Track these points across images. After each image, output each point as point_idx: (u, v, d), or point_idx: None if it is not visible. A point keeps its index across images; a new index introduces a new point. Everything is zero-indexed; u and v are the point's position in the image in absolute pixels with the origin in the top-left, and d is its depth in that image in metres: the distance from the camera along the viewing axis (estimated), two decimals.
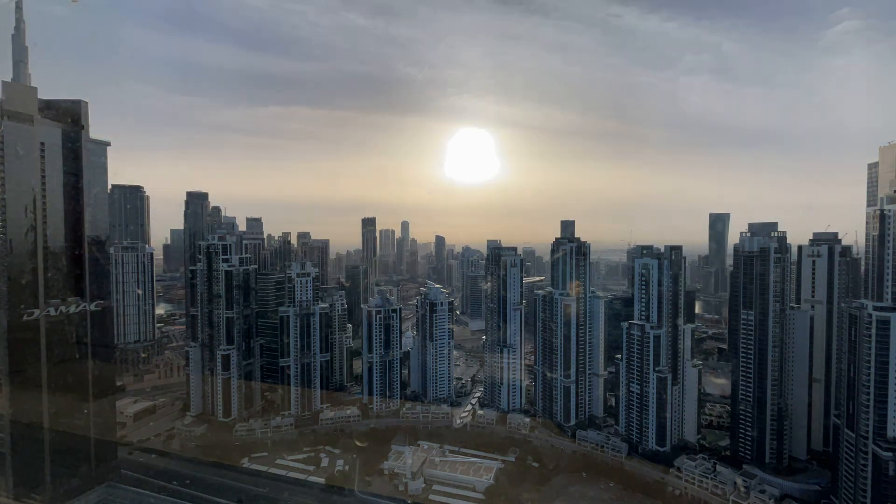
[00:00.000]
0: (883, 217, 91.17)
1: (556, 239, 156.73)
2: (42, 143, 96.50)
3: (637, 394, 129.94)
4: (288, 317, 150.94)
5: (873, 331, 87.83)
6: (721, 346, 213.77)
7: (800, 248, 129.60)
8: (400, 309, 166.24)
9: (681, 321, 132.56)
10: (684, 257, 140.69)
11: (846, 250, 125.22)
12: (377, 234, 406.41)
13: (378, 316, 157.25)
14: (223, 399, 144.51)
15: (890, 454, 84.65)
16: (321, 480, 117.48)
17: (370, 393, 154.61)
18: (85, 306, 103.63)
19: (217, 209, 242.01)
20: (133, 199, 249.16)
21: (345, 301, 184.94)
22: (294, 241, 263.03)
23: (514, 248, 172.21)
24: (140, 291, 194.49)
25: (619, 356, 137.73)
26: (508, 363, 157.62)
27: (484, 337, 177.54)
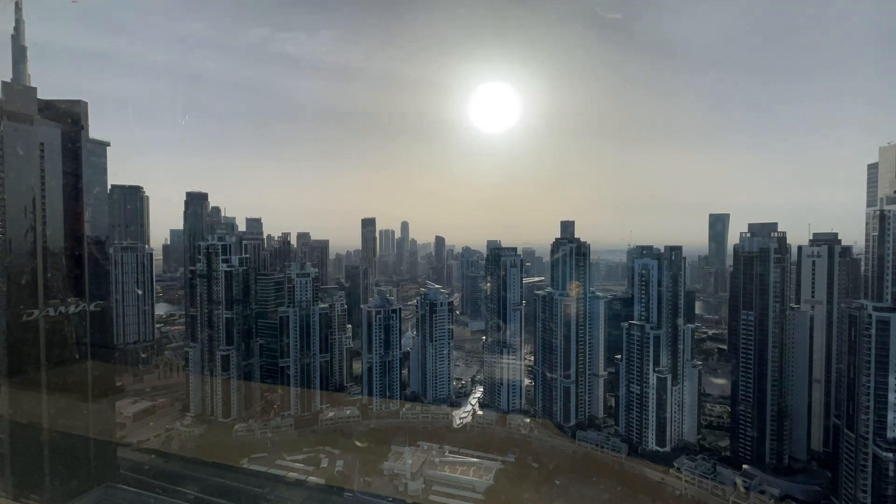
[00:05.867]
0: (883, 217, 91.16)
1: (556, 239, 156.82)
2: (42, 144, 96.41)
3: (637, 394, 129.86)
4: (288, 317, 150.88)
5: (873, 331, 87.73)
6: (721, 346, 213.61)
7: (800, 248, 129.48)
8: (400, 309, 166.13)
9: (681, 321, 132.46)
10: (684, 257, 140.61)
11: (846, 250, 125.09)
12: (377, 235, 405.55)
13: (378, 316, 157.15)
14: (223, 399, 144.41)
15: (890, 454, 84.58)
16: (321, 481, 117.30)
17: (370, 393, 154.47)
18: (84, 307, 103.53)
19: (217, 209, 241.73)
20: (133, 199, 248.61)
21: (345, 301, 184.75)
22: (294, 241, 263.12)
23: (514, 249, 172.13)
24: (140, 292, 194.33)
25: (619, 356, 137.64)
26: (508, 363, 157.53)
27: (484, 337, 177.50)
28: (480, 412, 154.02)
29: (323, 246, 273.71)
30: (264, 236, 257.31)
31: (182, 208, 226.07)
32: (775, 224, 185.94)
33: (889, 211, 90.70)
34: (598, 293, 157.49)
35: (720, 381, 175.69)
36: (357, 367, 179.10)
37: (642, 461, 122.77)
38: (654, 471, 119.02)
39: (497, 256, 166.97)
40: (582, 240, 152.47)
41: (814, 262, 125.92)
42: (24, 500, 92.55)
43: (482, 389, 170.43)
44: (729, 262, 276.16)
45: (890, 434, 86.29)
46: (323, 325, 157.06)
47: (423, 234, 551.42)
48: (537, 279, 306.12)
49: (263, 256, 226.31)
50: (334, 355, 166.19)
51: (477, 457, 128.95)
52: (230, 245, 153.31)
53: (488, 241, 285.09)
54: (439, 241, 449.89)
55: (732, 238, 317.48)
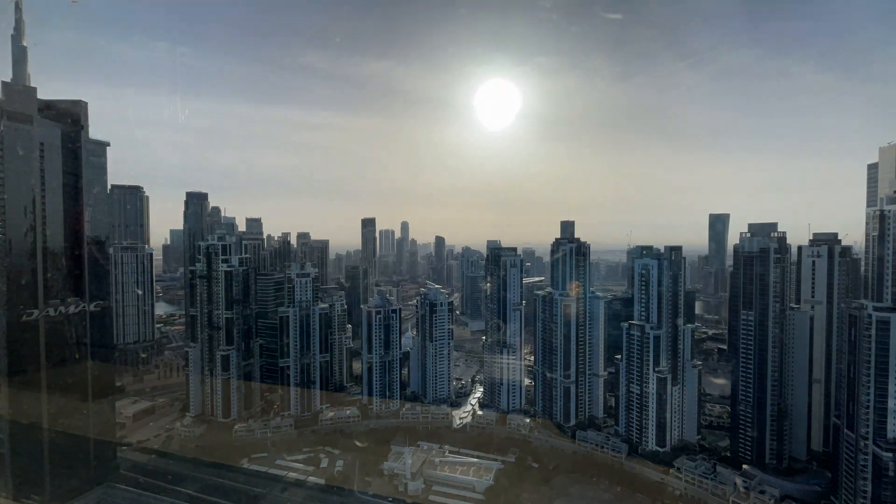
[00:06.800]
0: (883, 217, 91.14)
1: (556, 239, 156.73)
2: (42, 144, 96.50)
3: (637, 394, 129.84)
4: (287, 317, 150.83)
5: (873, 331, 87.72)
6: (721, 346, 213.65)
7: (800, 248, 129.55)
8: (400, 309, 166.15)
9: (681, 321, 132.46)
10: (684, 257, 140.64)
11: (846, 250, 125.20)
12: (377, 235, 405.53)
13: (378, 316, 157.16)
14: (223, 399, 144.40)
15: (890, 454, 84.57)
16: (321, 481, 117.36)
17: (370, 393, 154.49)
18: (84, 307, 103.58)
19: (217, 209, 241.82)
20: (133, 199, 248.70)
21: (345, 301, 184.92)
22: (294, 241, 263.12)
23: (514, 249, 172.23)
24: (140, 292, 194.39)
25: (619, 356, 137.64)
26: (508, 363, 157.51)
27: (484, 337, 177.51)
28: (480, 412, 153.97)
29: (323, 246, 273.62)
30: (264, 236, 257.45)
31: (182, 208, 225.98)
32: (775, 224, 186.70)
33: (889, 211, 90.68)
34: (598, 293, 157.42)
35: (720, 381, 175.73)
36: (357, 367, 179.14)
37: (642, 461, 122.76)
38: (654, 471, 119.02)
39: (497, 256, 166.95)
40: (582, 240, 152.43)
41: (814, 263, 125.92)
42: (24, 500, 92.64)
43: (482, 389, 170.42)
44: (729, 262, 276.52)
45: (890, 434, 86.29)
46: (323, 325, 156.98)
47: (423, 234, 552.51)
48: (537, 279, 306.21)
49: (263, 256, 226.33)
50: (334, 355, 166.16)
51: (477, 457, 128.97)
52: (230, 245, 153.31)
53: (488, 241, 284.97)
54: (439, 241, 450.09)
55: (732, 238, 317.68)
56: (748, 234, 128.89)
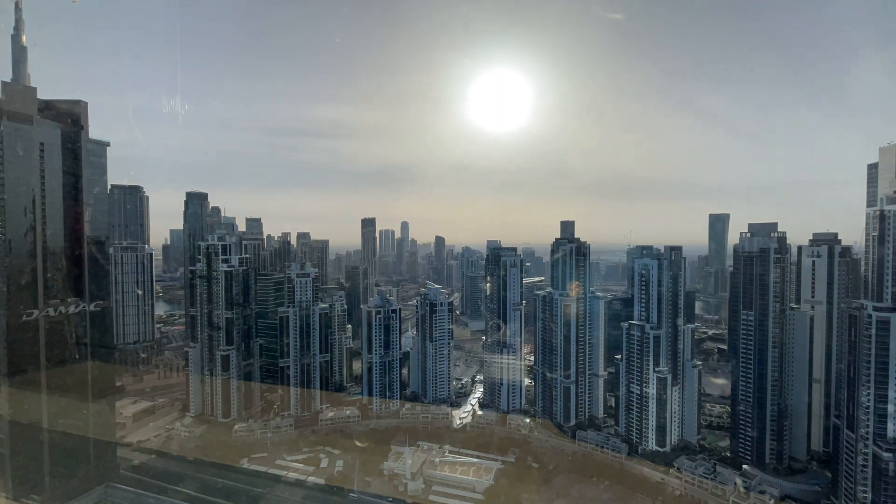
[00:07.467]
0: (883, 217, 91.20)
1: (556, 239, 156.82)
2: (41, 144, 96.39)
3: (637, 394, 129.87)
4: (287, 317, 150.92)
5: (873, 331, 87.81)
6: (721, 346, 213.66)
7: (800, 248, 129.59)
8: (400, 309, 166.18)
9: (681, 321, 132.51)
10: (684, 257, 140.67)
11: (846, 250, 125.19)
12: (377, 235, 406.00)
13: (378, 316, 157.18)
14: (223, 399, 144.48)
15: (890, 454, 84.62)
16: (321, 481, 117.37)
17: (370, 393, 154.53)
18: (84, 307, 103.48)
19: (217, 209, 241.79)
20: (133, 200, 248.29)
21: (345, 301, 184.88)
22: (294, 241, 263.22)
23: (514, 249, 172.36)
24: (140, 292, 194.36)
25: (619, 356, 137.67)
26: (508, 363, 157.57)
27: (484, 337, 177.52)
28: (480, 412, 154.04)
29: (323, 246, 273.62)
30: (264, 236, 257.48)
31: (182, 208, 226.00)
32: (775, 224, 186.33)
33: (889, 211, 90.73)
34: (598, 293, 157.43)
35: (720, 381, 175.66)
36: (357, 367, 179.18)
37: (642, 461, 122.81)
38: (654, 471, 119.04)
39: (497, 256, 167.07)
40: (582, 240, 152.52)
41: (814, 262, 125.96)
42: (24, 500, 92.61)
43: (482, 389, 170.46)
44: (729, 262, 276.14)
45: (890, 434, 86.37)
46: (323, 325, 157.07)
47: (423, 234, 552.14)
48: (537, 279, 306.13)
49: (263, 256, 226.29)
50: (334, 355, 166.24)
51: (477, 457, 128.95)
52: (230, 245, 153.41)
53: (488, 241, 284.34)
54: (439, 241, 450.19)
55: (732, 238, 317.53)
56: (748, 234, 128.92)
